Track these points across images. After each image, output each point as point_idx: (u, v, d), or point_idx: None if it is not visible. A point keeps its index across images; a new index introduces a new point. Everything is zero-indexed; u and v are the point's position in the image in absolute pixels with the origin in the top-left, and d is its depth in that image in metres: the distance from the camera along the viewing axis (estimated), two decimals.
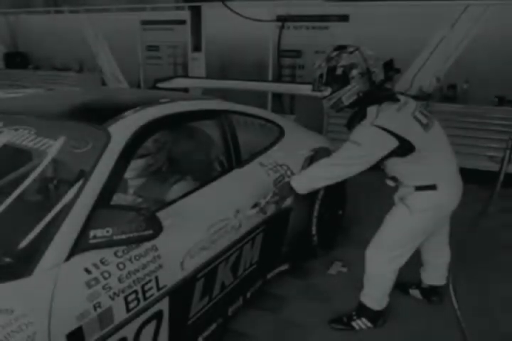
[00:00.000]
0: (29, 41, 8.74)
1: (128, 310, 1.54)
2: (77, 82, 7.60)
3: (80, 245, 1.46)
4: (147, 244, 1.62)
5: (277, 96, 5.87)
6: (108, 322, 1.47)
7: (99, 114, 1.88)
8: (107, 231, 1.47)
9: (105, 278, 1.48)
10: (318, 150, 2.86)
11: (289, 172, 2.56)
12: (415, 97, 5.10)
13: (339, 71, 2.06)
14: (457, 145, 4.79)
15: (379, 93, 2.09)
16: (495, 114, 4.67)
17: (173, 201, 1.91)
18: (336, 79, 2.06)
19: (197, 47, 6.55)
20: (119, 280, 1.51)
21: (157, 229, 1.53)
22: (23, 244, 1.46)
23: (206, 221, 1.95)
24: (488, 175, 4.05)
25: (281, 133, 2.84)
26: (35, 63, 8.67)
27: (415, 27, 4.94)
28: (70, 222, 1.48)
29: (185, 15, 6.64)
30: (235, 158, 2.32)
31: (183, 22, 6.71)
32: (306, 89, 2.69)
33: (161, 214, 1.64)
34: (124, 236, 1.48)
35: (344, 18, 5.47)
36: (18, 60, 8.74)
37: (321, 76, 2.10)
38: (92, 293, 1.43)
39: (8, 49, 8.94)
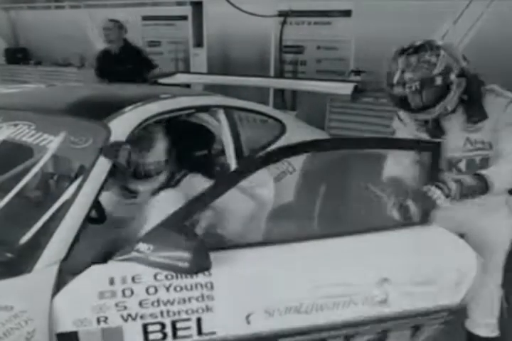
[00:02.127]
0: (30, 36, 8.72)
1: (147, 339, 1.41)
2: (78, 77, 7.58)
3: (124, 253, 1.41)
4: (201, 278, 1.41)
5: (279, 92, 5.85)
6: None
7: (99, 110, 1.87)
8: (148, 248, 1.36)
9: (124, 296, 1.36)
10: None
11: (290, 169, 2.54)
12: None
13: (438, 81, 1.70)
14: None
15: (475, 81, 1.83)
16: None
17: (272, 241, 1.61)
18: (435, 91, 1.72)
19: (198, 43, 6.52)
20: (140, 304, 1.37)
21: (198, 264, 1.33)
22: (23, 240, 1.45)
23: (314, 278, 1.52)
24: None
25: (283, 129, 2.82)
26: (36, 59, 8.65)
27: (418, 22, 4.91)
28: (70, 218, 1.47)
29: (187, 10, 6.61)
30: (236, 155, 2.30)
31: (184, 17, 6.69)
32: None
33: (247, 252, 1.48)
34: (157, 259, 1.35)
35: (347, 13, 5.44)
36: (19, 55, 8.71)
37: (415, 92, 1.72)
38: (101, 305, 1.35)
39: (9, 44, 8.91)
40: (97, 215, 1.83)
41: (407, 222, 1.73)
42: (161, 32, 7.06)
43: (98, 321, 1.34)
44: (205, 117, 2.29)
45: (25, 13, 8.70)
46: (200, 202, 1.50)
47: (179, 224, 1.40)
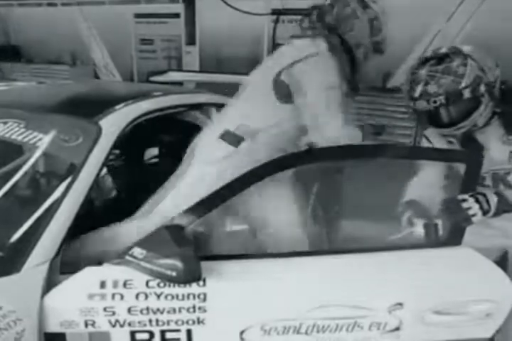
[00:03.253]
0: (21, 34, 8.67)
1: None
2: (69, 75, 7.55)
3: (120, 256, 1.36)
4: (194, 289, 1.33)
5: None
6: None
7: (90, 108, 1.85)
8: (141, 253, 1.31)
9: (113, 300, 1.32)
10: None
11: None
12: None
13: (466, 94, 1.56)
14: None
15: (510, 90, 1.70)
16: None
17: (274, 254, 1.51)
18: (464, 105, 1.58)
19: (191, 41, 6.51)
20: (129, 310, 1.32)
21: (188, 274, 1.26)
22: (12, 239, 1.43)
23: (312, 297, 1.40)
24: None
25: None
26: (27, 56, 8.61)
27: (411, 19, 4.92)
28: (60, 217, 1.46)
29: (179, 8, 6.60)
30: None
31: (177, 15, 6.67)
32: None
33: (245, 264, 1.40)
34: (148, 266, 1.29)
35: None
36: (10, 53, 8.67)
37: (441, 106, 1.57)
38: (89, 308, 1.32)
39: (0, 42, 8.86)
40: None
41: (432, 241, 1.57)
42: (153, 30, 7.03)
43: (86, 324, 1.32)
44: (197, 115, 2.28)
45: (17, 10, 8.65)
46: (202, 208, 1.43)
47: (177, 230, 1.35)
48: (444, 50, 1.65)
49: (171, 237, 1.32)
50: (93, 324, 1.32)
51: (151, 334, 1.35)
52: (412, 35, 5.03)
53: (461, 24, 4.89)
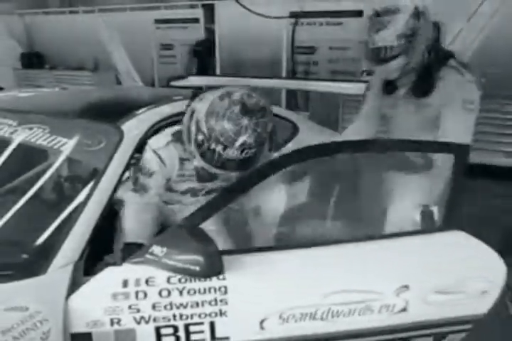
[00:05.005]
0: (45, 41, 8.83)
1: None
2: (92, 81, 7.67)
3: (138, 255, 1.40)
4: (215, 282, 1.38)
5: (291, 93, 5.84)
6: None
7: (112, 112, 1.89)
8: (162, 251, 1.35)
9: (137, 298, 1.35)
10: None
11: None
12: None
13: (398, 41, 1.96)
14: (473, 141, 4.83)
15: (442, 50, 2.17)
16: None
17: (287, 246, 1.55)
18: (398, 49, 1.96)
19: None
20: (153, 307, 1.36)
21: (210, 268, 1.33)
22: (38, 242, 1.47)
23: (326, 284, 1.45)
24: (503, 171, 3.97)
25: (295, 130, 2.81)
26: (51, 63, 8.76)
27: (432, 19, 4.88)
28: (84, 220, 1.49)
29: (199, 13, 6.65)
30: None
31: (196, 20, 6.73)
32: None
33: (261, 256, 1.45)
34: (170, 262, 1.34)
35: (358, 13, 5.42)
36: (34, 60, 8.84)
37: (385, 49, 1.96)
38: (113, 307, 1.35)
39: (24, 49, 9.04)
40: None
41: (428, 227, 1.64)
42: (173, 35, 7.10)
43: (111, 323, 1.34)
44: None
45: (40, 18, 8.82)
46: (215, 205, 1.47)
47: (193, 227, 1.39)
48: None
49: (189, 234, 1.35)
50: (118, 322, 1.35)
51: (175, 328, 1.38)
52: None
53: (482, 24, 4.82)
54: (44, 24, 8.70)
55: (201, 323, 1.38)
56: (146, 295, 1.36)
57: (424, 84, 1.96)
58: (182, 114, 2.03)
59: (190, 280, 1.37)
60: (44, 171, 1.80)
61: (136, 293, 1.36)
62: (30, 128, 1.78)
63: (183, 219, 1.45)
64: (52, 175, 1.85)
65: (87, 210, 1.51)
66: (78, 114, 1.91)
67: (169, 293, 1.37)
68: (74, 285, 1.37)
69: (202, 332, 1.39)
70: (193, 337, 1.39)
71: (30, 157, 2.03)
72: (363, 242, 1.55)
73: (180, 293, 1.37)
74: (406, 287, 1.45)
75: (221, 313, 1.38)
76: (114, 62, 7.94)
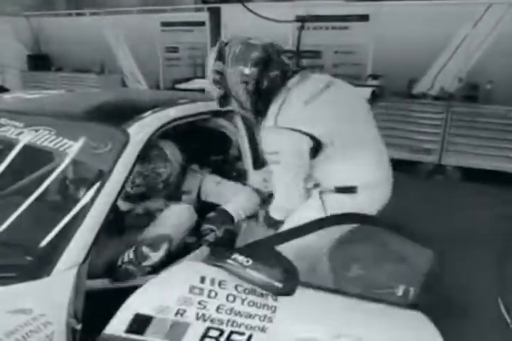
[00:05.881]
0: (51, 43, 8.88)
1: None
2: (98, 83, 7.70)
3: (218, 259, 1.43)
4: (270, 300, 1.44)
5: None
6: (175, 337, 1.36)
7: (118, 115, 1.89)
8: (247, 261, 1.39)
9: (209, 296, 1.39)
10: None
11: None
12: (436, 98, 5.11)
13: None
14: (478, 147, 4.83)
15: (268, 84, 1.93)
16: None
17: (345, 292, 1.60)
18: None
19: None
20: (218, 308, 1.39)
21: (287, 288, 1.39)
22: (42, 244, 1.47)
23: (337, 327, 1.50)
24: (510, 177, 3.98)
25: None
26: (57, 65, 8.81)
27: (437, 26, 4.87)
28: (89, 222, 1.49)
29: (205, 16, 6.67)
30: (253, 160, 2.30)
31: (202, 23, 6.75)
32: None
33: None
34: (253, 273, 1.38)
35: (364, 17, 5.43)
36: (40, 62, 8.89)
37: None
38: (186, 298, 1.37)
39: (31, 51, 9.09)
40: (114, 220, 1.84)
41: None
42: (179, 38, 7.12)
43: (177, 312, 1.35)
44: (221, 122, 2.30)
45: (47, 20, 8.87)
46: (296, 233, 1.59)
47: (272, 248, 1.46)
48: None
49: (271, 252, 1.43)
50: (183, 313, 1.36)
51: (221, 332, 1.40)
52: (438, 41, 4.99)
53: (488, 30, 4.81)
54: (50, 26, 8.75)
55: (243, 333, 1.41)
56: (216, 295, 1.39)
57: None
58: (187, 117, 2.04)
59: (253, 293, 1.43)
60: (49, 173, 1.80)
61: (210, 291, 1.39)
62: (36, 130, 1.78)
63: (268, 237, 1.56)
64: (58, 177, 1.86)
65: (92, 213, 1.51)
66: (84, 117, 1.91)
67: (234, 299, 1.41)
68: (78, 288, 1.37)
69: None
70: None
71: (36, 159, 2.03)
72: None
73: (242, 301, 1.41)
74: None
75: (263, 329, 1.43)
76: (120, 65, 8.01)
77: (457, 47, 5.01)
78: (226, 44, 1.84)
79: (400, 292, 1.78)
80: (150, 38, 7.22)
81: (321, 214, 1.88)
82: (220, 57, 1.82)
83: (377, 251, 1.94)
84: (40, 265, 1.40)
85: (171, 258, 1.83)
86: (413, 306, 1.69)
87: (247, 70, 1.80)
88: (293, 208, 1.97)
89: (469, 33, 4.91)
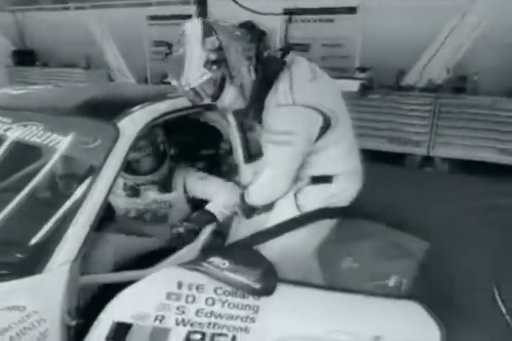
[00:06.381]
0: (37, 38, 8.77)
1: None
2: (84, 78, 7.62)
3: (195, 262, 1.44)
4: (251, 300, 1.45)
5: None
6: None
7: (108, 110, 1.87)
8: (224, 264, 1.40)
9: (186, 302, 1.40)
10: None
11: None
12: (424, 90, 5.14)
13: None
14: (466, 138, 4.87)
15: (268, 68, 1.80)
16: (505, 105, 4.63)
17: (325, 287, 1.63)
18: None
19: None
20: (197, 312, 1.41)
21: (266, 288, 1.39)
22: (34, 241, 1.46)
23: (325, 322, 1.54)
24: (497, 168, 4.02)
25: None
26: (43, 60, 8.70)
27: (425, 17, 4.88)
28: (81, 218, 1.48)
29: (192, 9, 6.61)
30: (244, 154, 2.30)
31: (189, 17, 6.68)
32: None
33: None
34: (231, 275, 1.38)
35: (352, 10, 5.42)
36: (26, 57, 8.78)
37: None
38: (164, 305, 1.38)
39: (16, 46, 8.97)
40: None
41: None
42: (166, 31, 7.06)
43: (155, 319, 1.37)
44: (212, 116, 2.29)
45: (32, 14, 8.75)
46: (269, 234, 1.66)
47: (250, 248, 1.48)
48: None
49: (249, 253, 1.45)
50: (162, 320, 1.37)
51: (203, 335, 1.41)
52: (426, 33, 5.00)
53: (476, 21, 4.83)
54: (36, 21, 8.64)
55: (226, 335, 1.43)
56: (194, 299, 1.40)
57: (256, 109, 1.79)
58: (177, 111, 2.03)
59: (233, 295, 1.44)
60: (39, 169, 1.78)
61: (187, 296, 1.40)
62: (25, 126, 1.76)
63: (244, 238, 1.59)
64: (48, 173, 1.84)
65: (84, 209, 1.50)
66: (73, 112, 1.89)
67: (213, 302, 1.42)
68: (71, 285, 1.36)
69: None
70: None
71: (25, 155, 2.01)
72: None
73: (223, 304, 1.42)
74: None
75: (246, 329, 1.44)
76: (106, 59, 7.92)
77: (445, 39, 5.03)
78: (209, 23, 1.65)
79: (392, 283, 1.81)
80: (137, 32, 7.16)
81: (295, 213, 1.87)
82: (210, 33, 1.59)
83: (371, 244, 1.96)
84: (32, 262, 1.39)
85: None
86: (407, 296, 1.69)
87: (249, 45, 1.66)
88: (273, 198, 1.90)
89: (457, 25, 4.93)
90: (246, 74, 1.67)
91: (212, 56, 1.59)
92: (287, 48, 1.83)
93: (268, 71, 1.72)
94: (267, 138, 1.79)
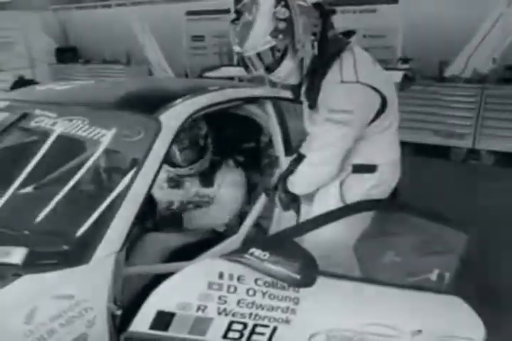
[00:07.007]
0: (79, 36, 8.99)
1: (224, 337, 1.46)
2: (125, 74, 7.76)
3: (236, 254, 1.43)
4: (291, 292, 1.46)
5: None
6: (199, 331, 1.43)
7: (149, 103, 1.89)
8: (264, 255, 1.38)
9: (228, 291, 1.42)
10: None
11: None
12: (469, 80, 4.97)
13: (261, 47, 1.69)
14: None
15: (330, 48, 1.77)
16: None
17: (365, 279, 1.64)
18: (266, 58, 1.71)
19: None
20: (238, 302, 1.43)
21: (306, 279, 1.37)
22: (80, 232, 1.49)
23: (365, 315, 1.56)
24: None
25: None
26: (85, 57, 8.91)
27: (468, 5, 4.72)
28: (125, 210, 1.50)
29: (230, 4, 6.62)
30: (285, 146, 2.28)
31: (227, 11, 6.70)
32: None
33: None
34: (271, 267, 1.37)
35: (393, 0, 5.30)
36: (69, 54, 9.01)
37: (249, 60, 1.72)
38: (206, 294, 1.40)
39: (59, 44, 9.22)
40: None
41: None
42: (204, 26, 7.10)
43: (198, 308, 1.40)
44: (252, 109, 2.28)
45: (74, 13, 8.96)
46: (310, 225, 1.61)
47: (290, 240, 1.46)
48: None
49: (289, 245, 1.43)
50: (204, 309, 1.40)
51: (245, 326, 1.45)
52: (470, 22, 4.83)
53: None
54: (78, 19, 8.85)
55: (267, 326, 1.47)
56: (235, 290, 1.42)
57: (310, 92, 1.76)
58: (217, 104, 2.03)
59: (273, 286, 1.45)
60: (84, 162, 1.82)
61: (228, 286, 1.42)
62: (70, 120, 1.80)
63: (285, 230, 1.56)
64: (92, 166, 1.87)
65: (127, 201, 1.52)
66: (117, 106, 1.92)
67: (254, 293, 1.44)
68: (117, 275, 1.39)
69: (263, 334, 1.48)
70: (254, 337, 1.47)
71: (71, 148, 2.05)
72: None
73: (263, 295, 1.45)
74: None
75: (287, 321, 1.47)
76: (147, 55, 8.02)
77: (491, 28, 4.85)
78: None
79: (434, 277, 1.79)
80: (176, 27, 7.23)
81: (338, 204, 1.83)
82: (282, 3, 1.59)
83: (412, 238, 1.92)
84: (80, 252, 1.42)
85: None
86: (450, 291, 1.67)
87: (316, 21, 1.66)
88: (320, 183, 1.84)
89: (504, 12, 4.74)
90: (309, 49, 1.66)
91: (281, 25, 1.58)
92: (350, 31, 1.83)
93: (331, 49, 1.70)
94: (324, 116, 1.71)
